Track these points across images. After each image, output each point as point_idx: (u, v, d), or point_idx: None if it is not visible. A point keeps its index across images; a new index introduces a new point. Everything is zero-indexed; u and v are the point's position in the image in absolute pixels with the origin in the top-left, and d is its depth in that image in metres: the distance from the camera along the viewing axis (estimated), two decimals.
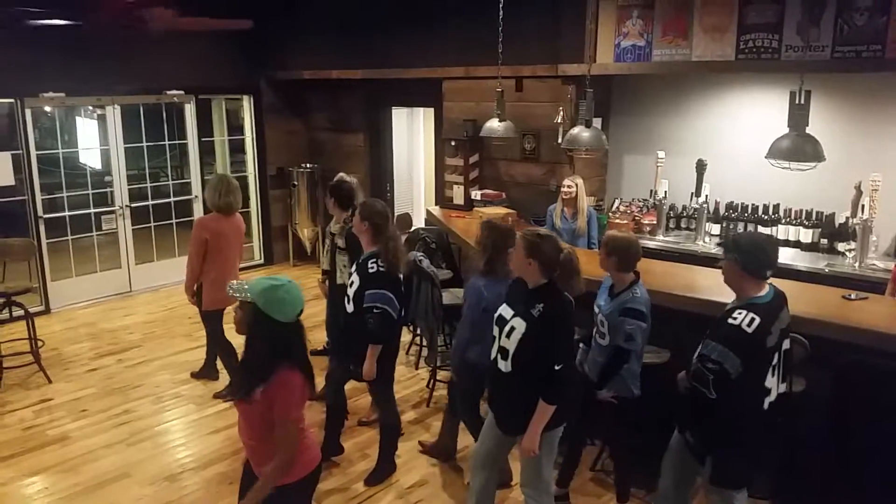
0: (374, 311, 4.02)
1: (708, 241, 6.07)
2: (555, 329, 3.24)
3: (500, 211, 6.40)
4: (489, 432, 3.56)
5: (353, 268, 4.22)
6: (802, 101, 3.90)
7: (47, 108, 7.79)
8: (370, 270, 4.05)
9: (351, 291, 4.14)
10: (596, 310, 3.86)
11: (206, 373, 5.85)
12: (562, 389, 3.25)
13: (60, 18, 6.60)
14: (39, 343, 6.11)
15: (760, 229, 5.95)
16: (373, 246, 4.11)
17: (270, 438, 2.75)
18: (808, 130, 3.94)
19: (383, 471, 4.43)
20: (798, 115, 3.92)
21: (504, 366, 3.31)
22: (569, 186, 5.86)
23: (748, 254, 3.05)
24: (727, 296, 3.23)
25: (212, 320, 5.43)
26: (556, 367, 3.19)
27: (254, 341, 2.73)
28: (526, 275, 3.32)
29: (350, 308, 4.15)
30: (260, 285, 2.70)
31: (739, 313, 2.99)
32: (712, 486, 3.17)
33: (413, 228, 7.27)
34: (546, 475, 3.49)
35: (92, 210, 7.92)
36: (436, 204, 7.89)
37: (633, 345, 3.67)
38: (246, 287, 2.71)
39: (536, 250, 3.25)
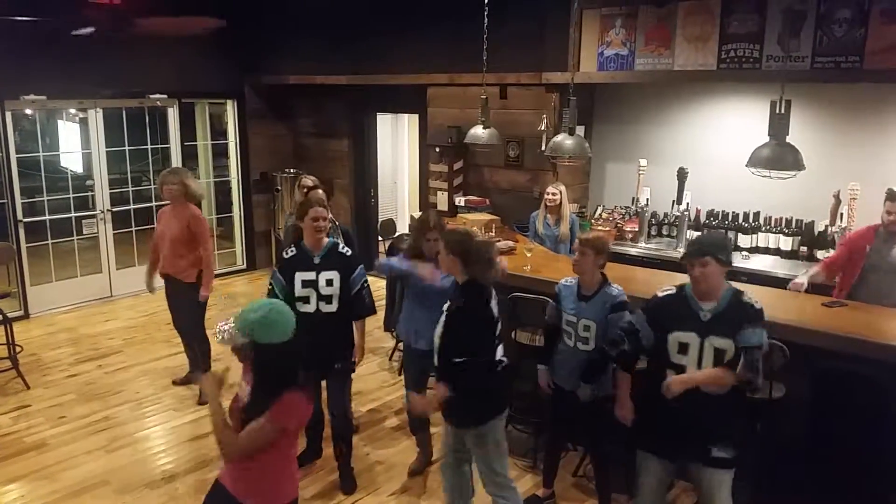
0: (366, 285, 4.22)
1: None
2: (460, 325, 3.34)
3: (484, 217, 6.42)
4: (445, 430, 3.62)
5: (321, 264, 4.12)
6: (783, 111, 3.94)
7: (28, 111, 7.71)
8: (347, 254, 4.21)
9: (332, 289, 4.10)
10: (571, 318, 3.84)
11: (192, 377, 5.79)
12: (463, 380, 3.31)
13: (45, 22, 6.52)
14: (18, 348, 6.03)
15: (741, 237, 6.02)
16: (326, 237, 4.21)
17: (263, 460, 2.71)
18: (788, 139, 3.98)
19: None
20: (778, 124, 3.96)
21: (436, 360, 3.42)
22: (553, 194, 5.89)
23: (727, 251, 3.19)
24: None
25: (204, 305, 5.50)
26: (457, 361, 3.29)
27: (263, 373, 2.66)
28: (453, 272, 3.43)
29: (334, 307, 4.12)
30: (248, 319, 2.64)
31: (750, 296, 3.15)
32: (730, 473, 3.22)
33: (397, 234, 7.27)
34: (498, 468, 3.54)
35: (73, 214, 7.84)
36: (420, 210, 7.89)
37: (628, 333, 3.67)
38: (235, 328, 2.64)
39: (455, 247, 3.36)
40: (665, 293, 3.34)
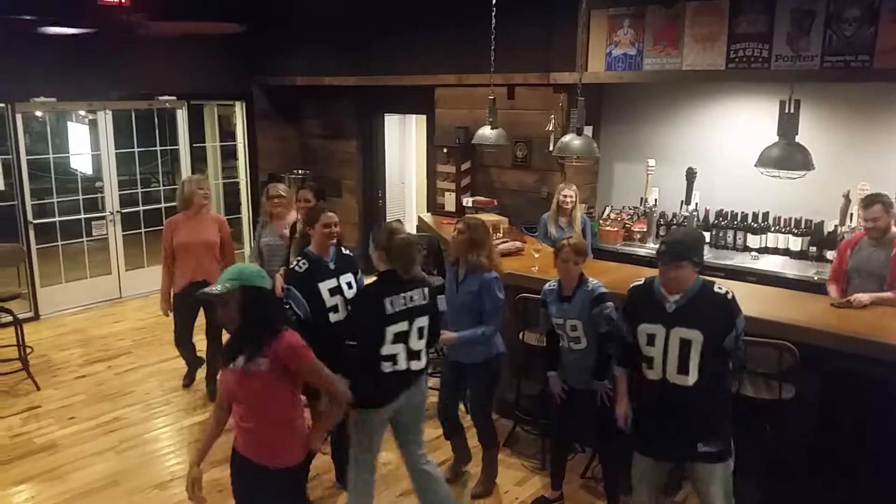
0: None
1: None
2: (351, 309, 3.72)
3: (492, 218, 6.40)
4: None
5: (337, 269, 4.06)
6: (792, 110, 3.92)
7: (38, 113, 7.76)
8: (351, 254, 4.26)
9: (352, 292, 4.06)
10: (558, 321, 3.91)
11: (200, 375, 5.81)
12: (347, 364, 3.43)
13: (64, 26, 6.56)
14: (28, 349, 6.07)
15: (750, 237, 5.98)
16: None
17: (273, 417, 2.87)
18: (797, 139, 3.96)
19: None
20: (787, 124, 3.94)
21: None
22: (569, 196, 5.82)
23: (702, 252, 3.24)
24: None
25: None
26: (347, 342, 3.47)
27: (250, 316, 2.84)
28: (379, 265, 3.60)
29: (343, 315, 4.07)
30: (235, 271, 2.89)
31: (720, 287, 3.18)
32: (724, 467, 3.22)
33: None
34: (352, 453, 3.68)
35: (82, 216, 7.89)
36: (427, 211, 7.90)
37: (615, 325, 3.71)
38: (225, 281, 2.85)
39: (379, 242, 3.59)
40: (635, 285, 3.38)
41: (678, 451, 3.26)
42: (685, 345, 3.10)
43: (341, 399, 3.02)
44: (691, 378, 3.11)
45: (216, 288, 2.83)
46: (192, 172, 8.56)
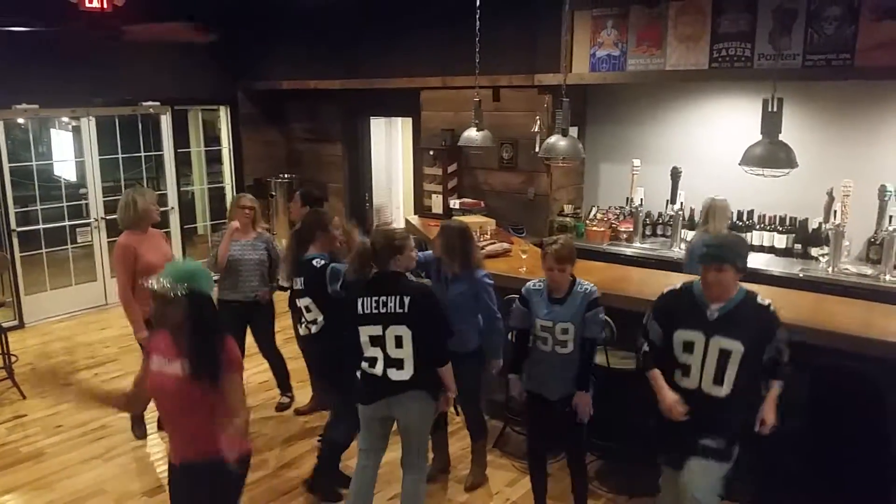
0: None
1: (683, 247, 6.12)
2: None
3: (479, 219, 6.41)
4: None
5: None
6: (775, 109, 3.95)
7: (20, 120, 7.69)
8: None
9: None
10: (546, 323, 3.69)
11: None
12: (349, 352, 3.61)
13: (36, 27, 6.52)
14: (13, 358, 6.01)
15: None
16: None
17: (214, 417, 2.77)
18: (780, 137, 3.99)
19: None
20: (771, 123, 3.97)
21: None
22: None
23: (745, 258, 3.17)
24: None
25: None
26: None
27: (201, 323, 2.78)
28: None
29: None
30: (185, 271, 2.79)
31: (763, 298, 3.17)
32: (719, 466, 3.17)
33: None
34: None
35: (66, 223, 7.83)
36: (415, 213, 7.90)
37: (604, 331, 3.69)
38: (171, 278, 2.75)
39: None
40: (671, 289, 3.34)
41: (686, 451, 3.18)
42: (724, 355, 3.08)
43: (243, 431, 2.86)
44: (725, 389, 3.08)
45: (158, 282, 2.73)
46: (177, 178, 8.52)
